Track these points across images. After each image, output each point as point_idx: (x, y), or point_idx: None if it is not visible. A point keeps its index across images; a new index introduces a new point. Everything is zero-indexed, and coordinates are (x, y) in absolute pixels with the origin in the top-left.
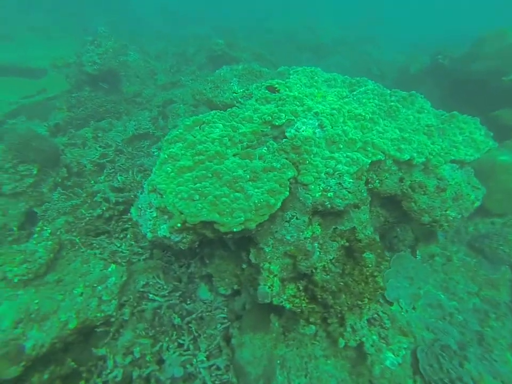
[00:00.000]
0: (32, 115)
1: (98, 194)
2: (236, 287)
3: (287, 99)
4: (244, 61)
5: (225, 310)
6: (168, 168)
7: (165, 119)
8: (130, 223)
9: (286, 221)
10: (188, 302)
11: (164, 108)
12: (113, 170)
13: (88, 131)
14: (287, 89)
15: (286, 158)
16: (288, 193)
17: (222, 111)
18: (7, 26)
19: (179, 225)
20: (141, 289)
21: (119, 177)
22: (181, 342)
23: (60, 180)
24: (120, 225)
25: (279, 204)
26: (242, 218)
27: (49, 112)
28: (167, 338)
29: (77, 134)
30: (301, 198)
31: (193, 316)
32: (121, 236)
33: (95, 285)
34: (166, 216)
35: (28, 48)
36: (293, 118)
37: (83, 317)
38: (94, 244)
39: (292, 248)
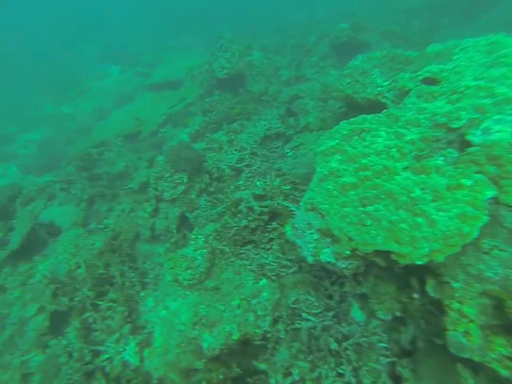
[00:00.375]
0: (176, 123)
1: (242, 204)
2: (398, 313)
3: (465, 91)
4: (375, 44)
5: (386, 339)
6: (329, 186)
7: (294, 116)
8: (276, 234)
9: (484, 252)
10: (343, 325)
11: (290, 104)
12: (250, 174)
13: (222, 134)
14: (457, 76)
15: (479, 172)
16: (486, 217)
17: (378, 115)
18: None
19: (347, 252)
20: (292, 305)
21: (258, 183)
22: (340, 371)
23: (204, 186)
24: (265, 236)
25: (476, 233)
26: (426, 249)
27: (187, 118)
28: (326, 366)
29: (213, 138)
30: (506, 224)
31: (351, 341)
32: (267, 246)
33: (249, 299)
34: (328, 240)
35: (171, 64)
36: (477, 116)
37: (243, 330)
38: (242, 254)
39: (496, 288)
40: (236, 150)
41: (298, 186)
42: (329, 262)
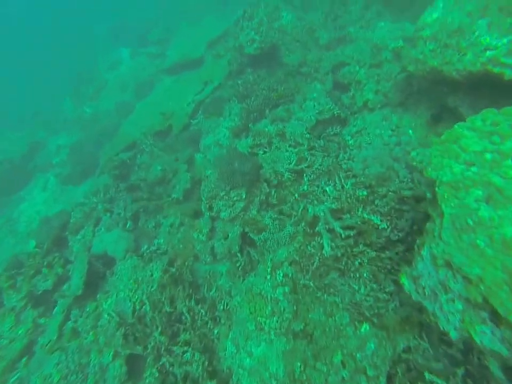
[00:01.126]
0: (208, 112)
1: (320, 224)
2: None
3: None
4: None
5: None
6: (478, 241)
7: (345, 92)
8: (365, 259)
9: None
10: None
11: (334, 73)
12: (313, 175)
13: (268, 124)
14: None
15: None
16: None
17: None
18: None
19: None
20: (404, 356)
21: (327, 189)
22: None
23: (264, 198)
24: (352, 262)
25: None
26: None
27: (221, 106)
28: None
29: (259, 131)
30: None
31: None
32: (357, 275)
33: (353, 353)
34: (483, 314)
35: (185, 40)
36: None
37: None
38: (329, 288)
39: None
40: (290, 146)
41: (376, 190)
42: (492, 350)
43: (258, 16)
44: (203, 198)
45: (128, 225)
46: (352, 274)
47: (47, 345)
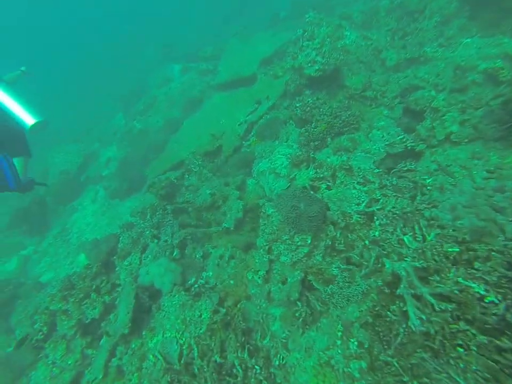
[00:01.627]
0: (262, 134)
1: (402, 287)
2: None
3: None
4: None
5: None
6: None
7: (417, 120)
8: (471, 344)
9: None
10: None
11: (404, 98)
12: (386, 220)
13: (331, 154)
14: None
15: None
16: None
17: None
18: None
19: None
20: None
21: (406, 239)
22: None
23: (330, 242)
24: (451, 344)
25: None
26: None
27: (276, 129)
28: None
29: (321, 162)
30: None
31: None
32: (460, 364)
33: None
34: None
35: (236, 56)
36: None
37: None
38: (419, 371)
39: None
40: (358, 184)
41: (472, 248)
42: None
43: (320, 36)
44: (262, 240)
45: (175, 253)
46: (452, 362)
47: (92, 382)
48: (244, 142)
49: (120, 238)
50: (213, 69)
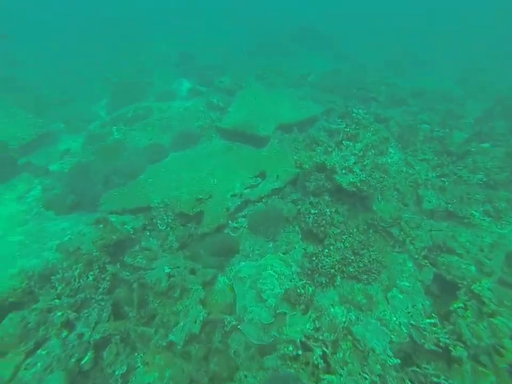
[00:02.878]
0: (255, 224)
1: None
2: None
3: None
4: None
5: None
6: None
7: (448, 292)
8: None
9: None
10: None
11: (433, 255)
12: None
13: (336, 303)
14: None
15: None
16: None
17: None
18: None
19: None
20: None
21: None
22: None
23: None
24: None
25: None
26: None
27: (276, 225)
28: None
29: (322, 309)
30: None
31: None
32: None
33: None
34: None
35: (253, 103)
36: None
37: None
38: None
39: None
40: (366, 378)
41: None
42: None
43: (364, 142)
44: None
45: (85, 359)
46: None
47: None
48: (230, 222)
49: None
50: (223, 107)
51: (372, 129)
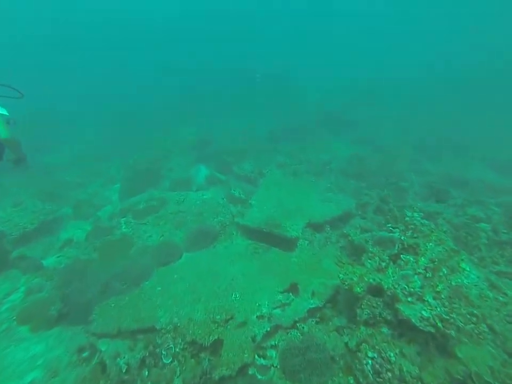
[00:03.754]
0: (292, 370)
1: None
2: None
3: None
4: None
5: None
6: None
7: None
8: None
9: None
10: None
11: None
12: None
13: None
14: None
15: None
16: None
17: None
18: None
19: None
20: None
21: None
22: None
23: None
24: None
25: None
26: None
27: (317, 367)
28: None
29: None
30: None
31: None
32: None
33: None
34: None
35: (275, 196)
36: None
37: None
38: None
39: None
40: None
41: None
42: None
43: (427, 255)
44: None
45: None
46: None
47: None
48: (257, 357)
49: None
50: (244, 199)
51: (433, 238)
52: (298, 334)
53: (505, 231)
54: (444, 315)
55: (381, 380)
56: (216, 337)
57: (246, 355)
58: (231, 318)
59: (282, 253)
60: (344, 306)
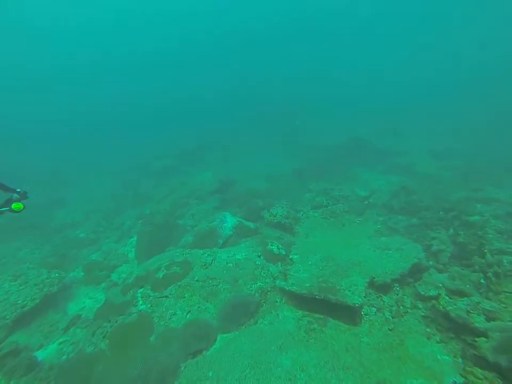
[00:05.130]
0: None
1: None
2: None
3: None
4: None
5: None
6: None
7: None
8: None
9: None
10: None
11: None
12: None
13: None
14: None
15: None
16: None
17: None
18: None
19: None
20: None
21: None
22: None
23: None
24: None
25: None
26: None
27: None
28: None
29: None
30: None
31: None
32: None
33: None
34: None
35: (322, 249)
36: None
37: None
38: None
39: None
40: None
41: None
42: None
43: None
44: None
45: None
46: None
47: None
48: None
49: None
50: (284, 254)
51: None
52: None
53: None
54: None
55: None
56: None
57: None
58: None
59: (346, 329)
60: None
